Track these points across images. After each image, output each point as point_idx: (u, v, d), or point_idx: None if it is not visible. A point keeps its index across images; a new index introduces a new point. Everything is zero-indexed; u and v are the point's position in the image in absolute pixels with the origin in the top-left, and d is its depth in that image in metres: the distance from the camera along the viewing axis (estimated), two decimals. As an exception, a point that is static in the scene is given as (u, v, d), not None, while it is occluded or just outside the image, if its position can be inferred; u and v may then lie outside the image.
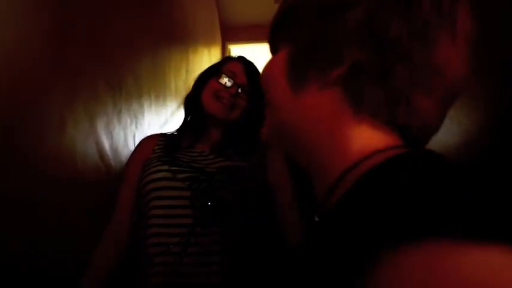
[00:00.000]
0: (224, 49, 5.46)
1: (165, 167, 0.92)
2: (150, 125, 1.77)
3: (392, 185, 0.27)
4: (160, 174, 0.91)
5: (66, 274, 0.91)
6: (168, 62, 2.21)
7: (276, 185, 1.00)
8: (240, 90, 1.01)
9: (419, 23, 0.33)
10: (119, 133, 1.35)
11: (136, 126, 1.54)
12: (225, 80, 1.01)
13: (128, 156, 1.40)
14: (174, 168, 0.92)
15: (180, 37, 2.63)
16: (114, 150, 1.29)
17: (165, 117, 2.09)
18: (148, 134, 1.69)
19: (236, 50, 5.63)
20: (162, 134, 1.09)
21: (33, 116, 0.86)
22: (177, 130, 1.08)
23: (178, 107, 2.38)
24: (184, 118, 1.08)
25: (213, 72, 1.05)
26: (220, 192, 0.90)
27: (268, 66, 0.45)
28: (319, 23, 0.38)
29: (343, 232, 0.28)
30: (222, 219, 0.88)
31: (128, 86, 1.49)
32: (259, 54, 6.01)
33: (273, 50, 0.47)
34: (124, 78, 1.45)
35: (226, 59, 1.12)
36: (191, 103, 1.06)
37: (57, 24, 0.96)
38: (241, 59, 1.10)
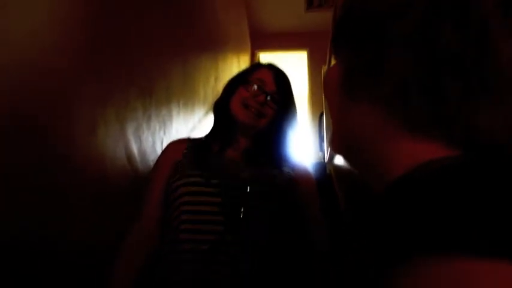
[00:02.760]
0: (253, 57, 5.51)
1: (198, 172, 0.91)
2: (178, 131, 1.79)
3: (431, 194, 0.26)
4: (192, 179, 0.90)
5: (92, 263, 0.93)
6: (198, 70, 2.25)
7: (303, 201, 1.00)
8: (268, 98, 1.00)
9: (478, 27, 0.29)
10: (147, 138, 1.37)
11: (164, 132, 1.57)
12: (254, 88, 1.00)
13: (155, 161, 1.43)
14: (206, 173, 0.91)
15: (211, 45, 2.67)
16: (142, 154, 1.32)
17: (193, 124, 2.12)
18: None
19: (265, 57, 5.67)
20: (190, 138, 1.08)
21: (66, 118, 0.89)
22: (207, 135, 1.09)
23: (206, 114, 2.41)
24: (214, 124, 1.09)
25: (242, 79, 1.05)
26: (252, 200, 0.90)
27: (328, 75, 0.44)
28: (366, 36, 0.36)
29: (383, 226, 0.28)
30: (254, 228, 0.87)
31: (158, 92, 1.52)
32: (288, 61, 6.02)
33: (335, 54, 0.47)
34: (155, 85, 1.48)
35: (256, 66, 1.11)
36: (220, 110, 1.06)
37: (93, 32, 1.00)
38: (271, 66, 1.09)
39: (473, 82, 0.30)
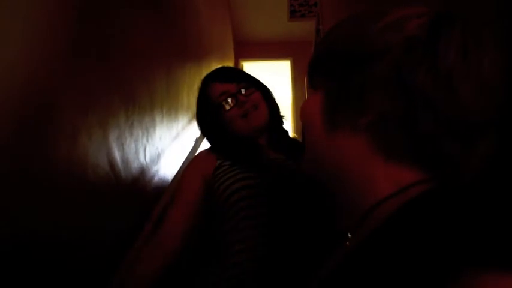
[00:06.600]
0: (237, 65, 5.54)
1: (249, 174, 0.93)
2: (161, 139, 1.78)
3: (437, 218, 0.31)
4: (249, 181, 0.92)
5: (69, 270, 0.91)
6: (182, 78, 2.25)
7: None
8: (243, 92, 1.00)
9: (444, 73, 0.34)
10: (130, 145, 1.36)
11: (147, 139, 1.56)
12: (229, 101, 0.99)
13: (138, 168, 1.41)
14: (260, 175, 0.93)
15: (195, 53, 2.68)
16: (125, 161, 1.30)
17: (176, 131, 2.11)
18: (160, 147, 1.71)
19: (249, 66, 5.71)
20: (216, 155, 1.03)
21: (46, 125, 0.88)
22: (231, 161, 1.02)
23: (190, 121, 2.41)
24: (232, 155, 1.02)
25: (213, 109, 1.04)
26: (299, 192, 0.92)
27: (307, 104, 0.47)
28: (347, 72, 0.40)
29: (398, 257, 0.31)
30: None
31: (141, 100, 1.51)
32: (272, 70, 6.08)
33: (312, 86, 0.50)
34: (138, 93, 1.48)
35: (204, 87, 1.08)
36: (227, 142, 1.03)
37: (74, 38, 0.99)
38: (210, 79, 1.07)
39: (442, 118, 0.35)
